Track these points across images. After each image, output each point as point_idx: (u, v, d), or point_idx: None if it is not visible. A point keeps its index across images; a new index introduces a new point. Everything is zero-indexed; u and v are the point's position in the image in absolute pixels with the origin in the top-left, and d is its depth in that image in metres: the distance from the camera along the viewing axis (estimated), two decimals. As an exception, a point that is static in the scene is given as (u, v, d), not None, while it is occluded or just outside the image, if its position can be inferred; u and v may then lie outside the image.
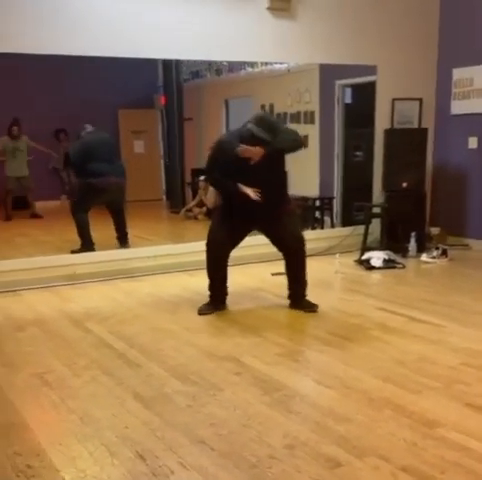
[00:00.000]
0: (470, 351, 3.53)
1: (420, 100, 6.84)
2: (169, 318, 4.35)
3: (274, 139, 3.99)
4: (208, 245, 4.37)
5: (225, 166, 4.11)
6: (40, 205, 9.10)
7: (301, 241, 4.39)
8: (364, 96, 7.27)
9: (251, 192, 4.05)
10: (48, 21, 4.96)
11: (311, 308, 4.39)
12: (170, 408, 2.88)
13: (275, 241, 4.44)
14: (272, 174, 4.20)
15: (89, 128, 6.51)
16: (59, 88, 9.31)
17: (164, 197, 10.69)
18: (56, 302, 4.80)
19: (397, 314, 4.32)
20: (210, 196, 8.69)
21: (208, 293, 4.49)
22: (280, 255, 4.53)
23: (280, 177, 4.37)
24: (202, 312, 4.39)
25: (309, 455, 2.42)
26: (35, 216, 8.47)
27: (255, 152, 3.98)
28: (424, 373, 3.21)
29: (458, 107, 6.76)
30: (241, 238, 4.44)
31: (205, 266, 4.43)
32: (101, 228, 6.60)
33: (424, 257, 6.15)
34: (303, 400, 2.94)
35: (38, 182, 9.32)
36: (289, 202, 4.45)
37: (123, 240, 6.51)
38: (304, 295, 4.47)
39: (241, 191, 4.07)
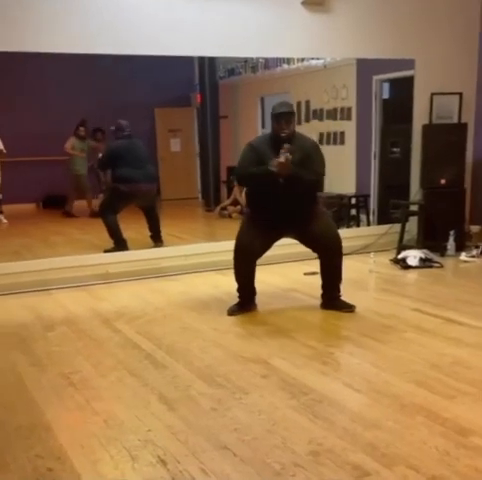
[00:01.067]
0: (509, 355, 3.38)
1: (460, 94, 6.62)
2: (198, 318, 4.30)
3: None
4: (236, 252, 4.31)
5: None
6: (78, 204, 9.24)
7: (337, 239, 4.29)
8: (402, 91, 7.09)
9: (281, 159, 3.93)
10: (80, 20, 4.95)
11: (348, 308, 4.29)
12: (194, 411, 2.82)
13: (310, 244, 4.35)
14: (302, 197, 4.14)
15: (124, 124, 6.51)
16: (96, 88, 9.42)
17: (200, 195, 10.70)
18: (87, 301, 4.81)
19: (432, 315, 4.18)
20: (245, 194, 8.66)
21: (237, 294, 4.42)
22: (312, 254, 4.44)
23: (310, 203, 4.28)
24: (232, 312, 4.33)
25: (335, 463, 2.33)
26: (94, 215, 8.40)
27: (286, 166, 3.92)
28: (459, 377, 3.07)
29: (499, 101, 6.53)
30: (270, 245, 4.36)
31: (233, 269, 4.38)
32: (136, 227, 6.63)
33: (463, 256, 5.96)
34: (331, 404, 2.84)
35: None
36: (318, 203, 4.35)
37: (157, 238, 6.51)
38: (339, 295, 4.37)
39: (274, 167, 3.95)
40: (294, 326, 4.03)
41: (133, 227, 6.59)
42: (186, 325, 4.14)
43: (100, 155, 7.01)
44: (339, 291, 4.38)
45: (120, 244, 6.12)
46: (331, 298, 4.37)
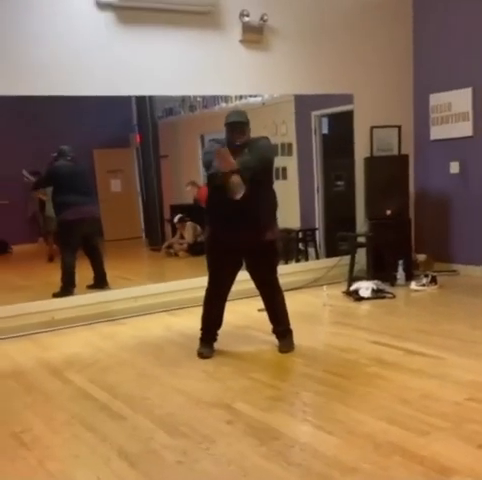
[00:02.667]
0: (475, 384, 3.34)
1: (399, 127, 6.78)
2: (154, 362, 4.11)
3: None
4: (209, 291, 4.21)
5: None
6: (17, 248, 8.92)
7: (273, 285, 4.21)
8: (341, 125, 7.20)
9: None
10: (18, 61, 4.81)
11: (284, 349, 4.17)
12: (159, 466, 2.64)
13: (251, 275, 4.24)
14: (258, 190, 3.91)
15: (66, 148, 6.38)
16: (31, 129, 9.16)
17: (143, 235, 10.52)
18: (35, 351, 4.54)
19: (392, 347, 4.13)
20: (189, 230, 8.58)
21: (200, 333, 4.26)
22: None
23: (266, 193, 4.07)
24: (204, 355, 4.14)
25: (315, 513, 2.20)
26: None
27: (228, 162, 3.75)
28: (430, 412, 3.00)
29: (437, 132, 6.71)
30: (236, 271, 4.21)
31: (202, 303, 4.26)
32: (79, 270, 6.36)
33: (413, 285, 6.00)
34: (303, 449, 2.71)
35: (17, 226, 9.16)
36: (275, 232, 4.15)
37: (102, 282, 6.26)
38: (284, 333, 4.25)
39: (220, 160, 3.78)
40: (254, 366, 3.90)
41: (77, 270, 6.32)
42: (142, 371, 3.94)
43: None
44: (284, 326, 4.26)
45: (68, 289, 5.84)
46: (277, 334, 4.27)
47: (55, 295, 5.64)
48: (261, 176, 3.96)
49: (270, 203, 4.13)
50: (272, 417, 3.07)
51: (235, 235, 3.99)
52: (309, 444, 2.76)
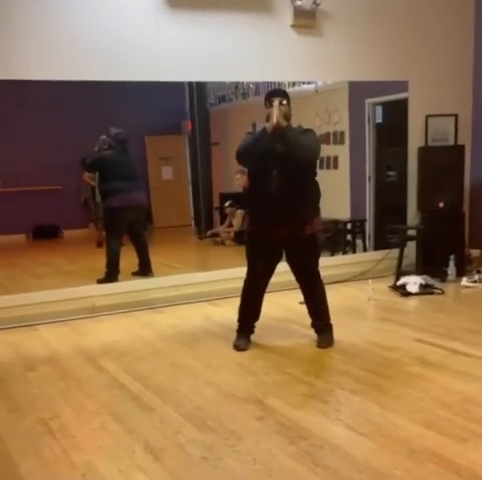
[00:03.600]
0: (522, 390, 3.14)
1: (455, 116, 6.49)
2: (189, 353, 4.06)
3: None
4: (247, 282, 4.14)
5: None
6: (69, 233, 9.08)
7: (313, 277, 4.09)
8: (396, 114, 6.96)
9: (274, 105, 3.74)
10: (69, 46, 4.78)
11: (323, 344, 4.05)
12: (183, 461, 2.57)
13: (291, 266, 4.12)
14: (300, 179, 3.83)
15: (114, 130, 6.37)
16: (85, 115, 9.26)
17: (192, 222, 10.53)
18: (72, 337, 4.55)
19: (437, 346, 3.94)
20: (238, 218, 8.50)
21: (237, 324, 4.19)
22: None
23: (308, 186, 3.94)
24: (239, 348, 4.06)
25: (339, 522, 2.08)
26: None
27: (279, 112, 3.72)
28: (471, 417, 2.83)
29: (496, 122, 6.39)
30: (275, 263, 4.11)
31: (240, 294, 4.18)
32: (123, 256, 6.37)
33: (464, 281, 5.74)
34: (333, 451, 2.59)
35: (70, 212, 9.33)
36: (317, 223, 4.01)
37: (146, 269, 6.26)
38: (324, 325, 4.14)
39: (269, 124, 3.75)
40: (290, 361, 3.79)
41: (122, 257, 6.34)
42: (176, 362, 3.89)
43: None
44: (324, 321, 4.14)
45: (113, 275, 5.87)
46: (316, 328, 4.16)
47: (99, 281, 5.68)
48: (304, 167, 3.84)
49: (312, 196, 4.00)
50: (304, 415, 2.97)
51: (274, 228, 3.90)
52: (340, 446, 2.64)
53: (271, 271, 4.13)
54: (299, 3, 5.59)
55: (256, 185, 3.96)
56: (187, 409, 3.11)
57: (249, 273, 4.13)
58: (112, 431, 2.90)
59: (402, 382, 3.35)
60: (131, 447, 2.71)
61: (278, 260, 4.13)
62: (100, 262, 6.03)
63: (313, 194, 4.01)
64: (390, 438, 2.67)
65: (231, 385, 3.42)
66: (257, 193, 3.95)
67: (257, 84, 8.70)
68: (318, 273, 4.13)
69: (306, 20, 5.74)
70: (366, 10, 5.99)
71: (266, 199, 3.85)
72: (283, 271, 4.20)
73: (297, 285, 4.23)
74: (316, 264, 4.10)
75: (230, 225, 8.85)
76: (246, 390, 3.32)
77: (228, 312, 4.87)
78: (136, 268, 6.26)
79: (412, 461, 2.46)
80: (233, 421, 2.93)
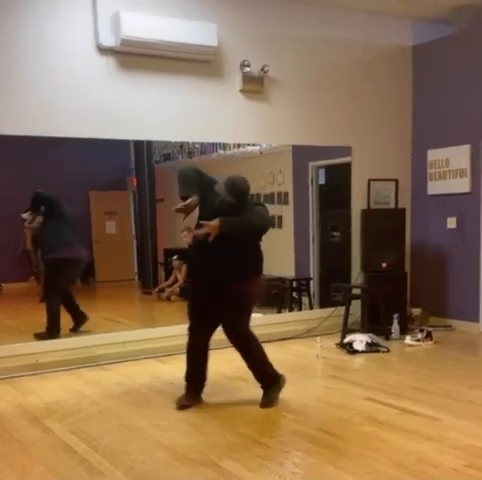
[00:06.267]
0: (474, 449, 3.18)
1: (396, 181, 6.79)
2: (138, 413, 3.94)
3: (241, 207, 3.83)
4: (188, 340, 4.10)
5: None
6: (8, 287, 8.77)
7: (240, 338, 4.02)
8: (339, 177, 7.20)
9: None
10: (17, 102, 4.81)
11: (263, 404, 3.99)
12: None
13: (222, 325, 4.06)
14: (239, 243, 3.85)
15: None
16: (27, 170, 9.13)
17: (136, 277, 10.41)
18: (15, 396, 4.36)
19: (387, 405, 3.98)
20: (184, 273, 8.46)
21: (185, 382, 4.10)
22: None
23: (248, 247, 3.97)
24: (182, 406, 3.96)
25: None
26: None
27: (212, 227, 3.71)
28: (427, 478, 2.84)
29: (435, 187, 6.70)
30: (210, 321, 4.04)
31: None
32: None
33: (408, 340, 5.87)
34: (292, 515, 2.55)
35: (7, 264, 9.05)
36: (251, 284, 3.98)
37: (80, 315, 6.03)
38: (262, 388, 4.07)
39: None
40: (243, 420, 3.74)
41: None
42: (125, 422, 3.77)
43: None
44: (261, 382, 4.08)
45: (54, 331, 5.68)
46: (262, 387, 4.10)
47: (38, 336, 5.46)
48: (249, 238, 3.92)
49: (251, 256, 4.02)
50: (261, 478, 2.91)
51: (208, 283, 3.94)
52: (298, 510, 2.60)
53: (209, 330, 4.07)
54: (248, 69, 5.83)
55: (197, 241, 3.95)
56: (139, 473, 3.01)
57: (188, 331, 4.11)
58: (61, 497, 2.76)
59: (356, 442, 3.35)
60: (82, 514, 2.59)
61: (215, 318, 4.03)
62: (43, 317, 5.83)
63: (252, 254, 4.02)
64: (348, 500, 2.66)
65: (183, 446, 3.33)
66: (196, 248, 4.01)
67: (203, 144, 8.86)
68: (246, 335, 4.03)
69: (254, 85, 5.97)
70: (311, 78, 6.26)
71: (202, 251, 3.89)
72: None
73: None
74: (244, 325, 4.02)
75: (175, 280, 8.80)
76: (200, 452, 3.24)
77: (176, 369, 4.79)
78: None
79: (372, 524, 2.45)
80: (188, 485, 2.85)
